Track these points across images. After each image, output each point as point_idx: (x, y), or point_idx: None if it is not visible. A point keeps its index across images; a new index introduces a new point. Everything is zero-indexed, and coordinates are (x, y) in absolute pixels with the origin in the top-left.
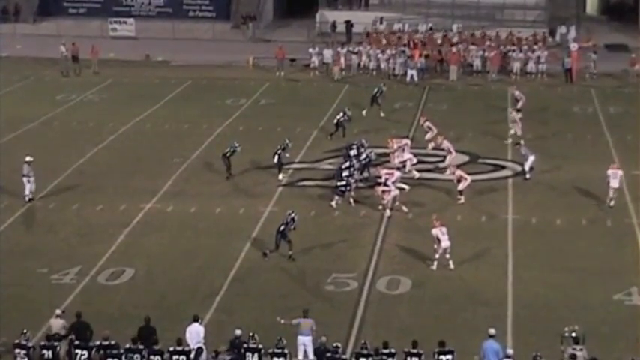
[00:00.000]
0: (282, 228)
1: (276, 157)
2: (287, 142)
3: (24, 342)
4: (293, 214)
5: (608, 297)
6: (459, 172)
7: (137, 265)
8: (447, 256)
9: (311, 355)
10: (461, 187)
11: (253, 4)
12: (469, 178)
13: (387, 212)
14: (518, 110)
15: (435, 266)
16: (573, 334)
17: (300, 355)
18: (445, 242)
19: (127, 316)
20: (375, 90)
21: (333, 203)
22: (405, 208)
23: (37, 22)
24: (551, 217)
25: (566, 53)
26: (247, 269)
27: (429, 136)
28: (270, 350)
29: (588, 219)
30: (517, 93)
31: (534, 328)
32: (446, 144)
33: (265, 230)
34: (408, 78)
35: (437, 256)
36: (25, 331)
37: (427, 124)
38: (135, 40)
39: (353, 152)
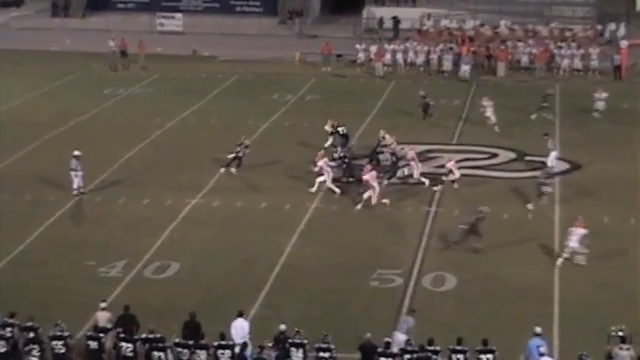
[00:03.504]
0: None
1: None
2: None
3: (58, 333)
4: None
5: None
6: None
7: (183, 259)
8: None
9: None
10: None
11: (300, 0)
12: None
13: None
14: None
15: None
16: (620, 334)
17: None
18: (572, 243)
19: (172, 310)
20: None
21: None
22: (385, 201)
23: (86, 17)
24: (599, 215)
25: (615, 50)
26: (292, 264)
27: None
28: (317, 345)
29: (637, 217)
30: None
31: (581, 326)
32: (411, 154)
33: (311, 226)
34: (460, 73)
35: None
36: (58, 322)
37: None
38: (182, 35)
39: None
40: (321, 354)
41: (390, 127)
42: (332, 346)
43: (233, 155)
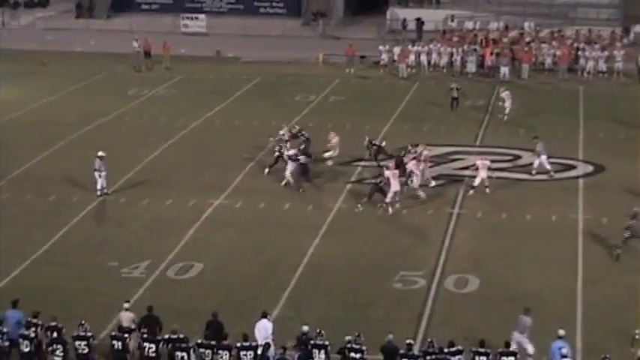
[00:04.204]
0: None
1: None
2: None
3: (82, 333)
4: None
5: None
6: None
7: (206, 260)
8: None
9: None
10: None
11: (324, 1)
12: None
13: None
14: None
15: None
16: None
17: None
18: None
19: (195, 310)
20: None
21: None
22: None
23: (110, 18)
24: (622, 218)
25: None
26: (315, 265)
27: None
28: (349, 345)
29: None
30: (505, 93)
31: (604, 329)
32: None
33: (334, 227)
34: (501, 75)
35: None
36: (82, 322)
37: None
38: (206, 36)
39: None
40: (353, 354)
41: (413, 129)
42: (364, 347)
43: (277, 155)
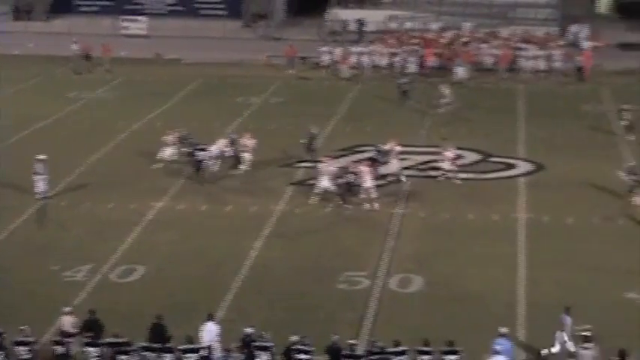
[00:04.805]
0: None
1: None
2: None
3: (23, 339)
4: None
5: (619, 296)
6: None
7: (148, 262)
8: None
9: None
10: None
11: (264, 3)
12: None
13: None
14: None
15: None
16: (585, 333)
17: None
18: None
19: (139, 313)
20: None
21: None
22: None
23: (49, 20)
24: (563, 216)
25: (578, 52)
26: (259, 267)
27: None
28: (295, 347)
29: (600, 217)
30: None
31: (546, 327)
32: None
33: (277, 229)
34: (456, 75)
35: None
36: (22, 327)
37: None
38: (146, 38)
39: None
40: (299, 355)
41: (357, 130)
42: (309, 349)
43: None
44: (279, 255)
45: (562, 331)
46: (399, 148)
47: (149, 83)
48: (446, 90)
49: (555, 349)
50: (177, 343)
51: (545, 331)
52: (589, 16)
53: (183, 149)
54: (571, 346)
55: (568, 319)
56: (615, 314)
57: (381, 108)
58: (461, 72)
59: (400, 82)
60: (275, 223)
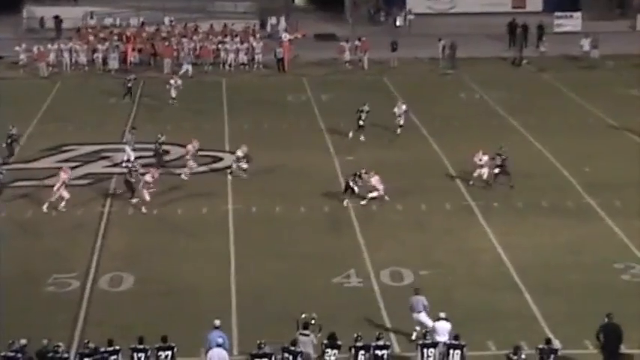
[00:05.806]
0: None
1: None
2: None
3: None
4: None
5: (328, 281)
6: None
7: None
8: None
9: None
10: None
11: None
12: None
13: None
14: None
15: None
16: (312, 321)
17: None
18: None
19: None
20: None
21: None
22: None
23: None
24: (271, 206)
25: (278, 44)
26: None
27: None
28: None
29: (306, 206)
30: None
31: (259, 316)
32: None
33: None
34: (182, 72)
35: None
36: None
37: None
38: None
39: None
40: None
41: (59, 129)
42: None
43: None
44: None
45: (419, 312)
46: (196, 145)
47: None
48: (173, 85)
49: (430, 324)
50: None
51: (258, 320)
52: (286, 8)
53: None
54: (430, 323)
55: (422, 299)
56: (326, 299)
57: (82, 106)
58: (188, 68)
59: (127, 78)
60: None
